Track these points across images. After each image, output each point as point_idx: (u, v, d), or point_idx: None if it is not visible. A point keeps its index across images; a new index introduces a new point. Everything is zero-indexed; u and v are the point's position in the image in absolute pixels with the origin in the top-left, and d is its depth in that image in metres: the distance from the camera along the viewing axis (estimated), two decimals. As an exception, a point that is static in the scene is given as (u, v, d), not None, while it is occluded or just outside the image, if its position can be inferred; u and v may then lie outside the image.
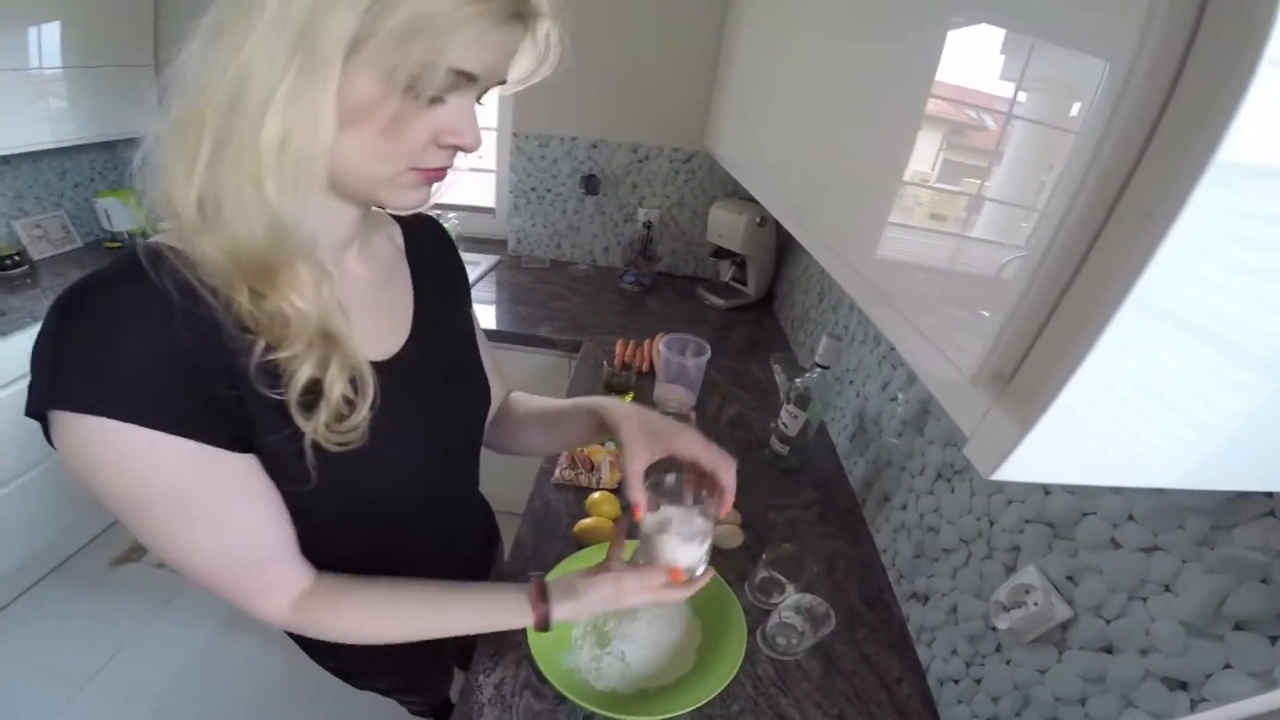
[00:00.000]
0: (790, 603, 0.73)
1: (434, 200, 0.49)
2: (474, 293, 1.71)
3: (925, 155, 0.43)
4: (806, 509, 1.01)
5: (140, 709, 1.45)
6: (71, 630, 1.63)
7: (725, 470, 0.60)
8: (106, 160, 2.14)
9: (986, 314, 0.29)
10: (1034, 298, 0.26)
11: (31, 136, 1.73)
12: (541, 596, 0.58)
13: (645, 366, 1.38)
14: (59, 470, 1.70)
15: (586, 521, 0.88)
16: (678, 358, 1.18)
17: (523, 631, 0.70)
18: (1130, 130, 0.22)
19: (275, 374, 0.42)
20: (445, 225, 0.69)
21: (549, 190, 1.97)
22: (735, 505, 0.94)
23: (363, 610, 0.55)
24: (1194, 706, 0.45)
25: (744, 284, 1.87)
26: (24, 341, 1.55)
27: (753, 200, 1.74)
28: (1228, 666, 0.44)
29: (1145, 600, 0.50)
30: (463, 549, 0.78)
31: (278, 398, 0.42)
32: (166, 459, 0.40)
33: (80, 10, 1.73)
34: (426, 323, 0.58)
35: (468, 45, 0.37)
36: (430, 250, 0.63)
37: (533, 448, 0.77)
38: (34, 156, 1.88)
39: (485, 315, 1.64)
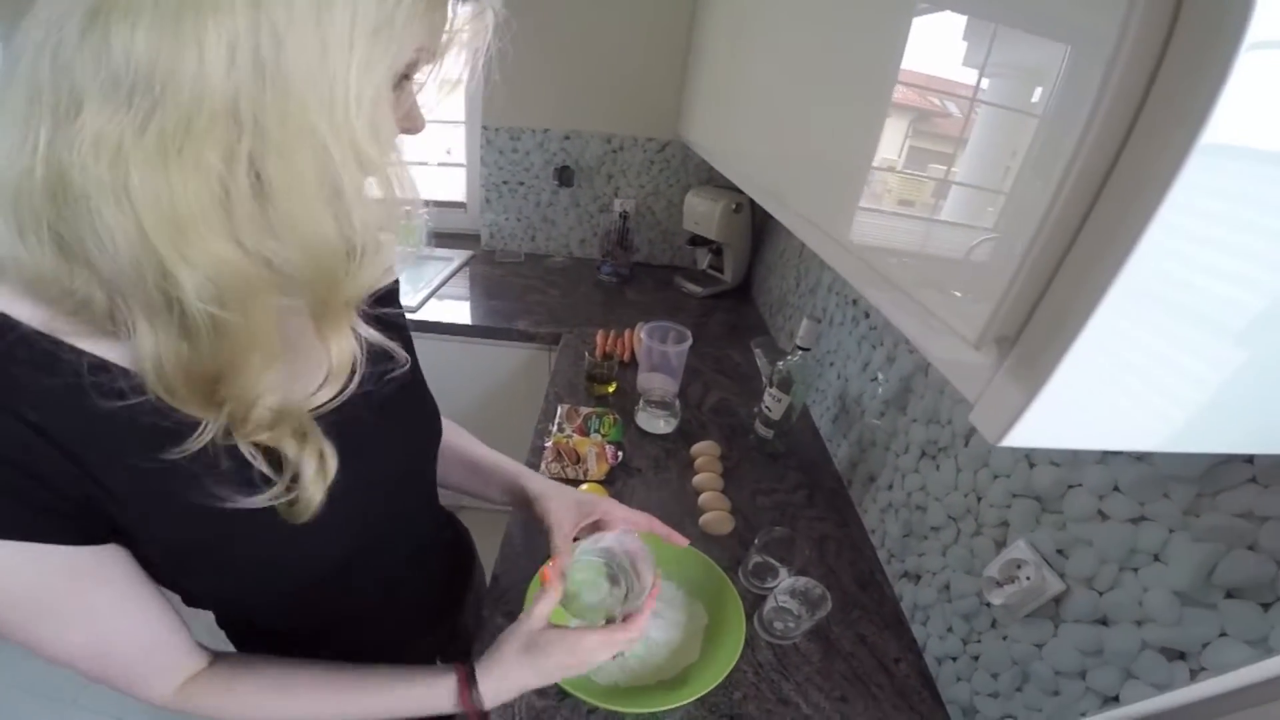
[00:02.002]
0: (785, 586, 0.73)
1: None
2: (447, 289, 1.70)
3: (896, 136, 0.42)
4: (793, 492, 1.01)
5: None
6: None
7: (653, 521, 0.64)
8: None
9: (989, 277, 0.28)
10: (1036, 258, 0.26)
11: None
12: (469, 682, 0.52)
13: (627, 356, 1.37)
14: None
15: (576, 515, 0.87)
16: (659, 345, 1.17)
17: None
18: (1120, 103, 0.22)
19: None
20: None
21: (521, 183, 1.93)
22: (724, 490, 0.96)
23: (263, 694, 0.50)
24: (1194, 676, 0.46)
25: (721, 271, 1.87)
26: None
27: (728, 187, 1.74)
28: (1224, 634, 0.44)
29: (1136, 571, 0.51)
30: (429, 579, 0.72)
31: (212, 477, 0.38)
32: (18, 563, 0.36)
33: None
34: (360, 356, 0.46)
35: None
36: None
37: (449, 483, 0.71)
38: None
39: (460, 311, 1.61)
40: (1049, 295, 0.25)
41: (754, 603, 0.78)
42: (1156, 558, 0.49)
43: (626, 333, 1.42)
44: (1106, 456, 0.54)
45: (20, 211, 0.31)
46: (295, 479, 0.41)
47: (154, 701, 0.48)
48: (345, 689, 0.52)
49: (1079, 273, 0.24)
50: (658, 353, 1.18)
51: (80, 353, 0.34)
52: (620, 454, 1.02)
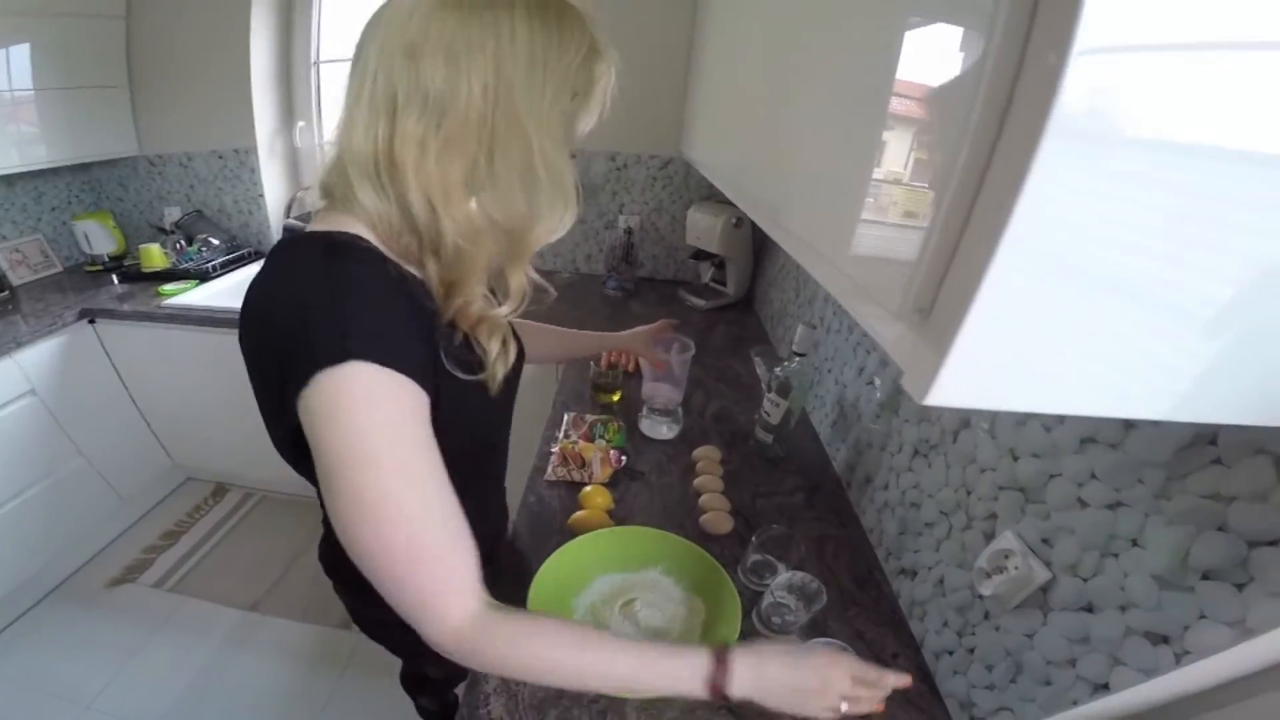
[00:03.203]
0: (782, 581, 0.75)
1: None
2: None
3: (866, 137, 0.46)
4: (792, 495, 1.03)
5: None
6: (71, 652, 1.62)
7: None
8: (83, 183, 2.14)
9: (902, 257, 0.32)
10: (937, 239, 0.29)
11: (4, 160, 1.72)
12: (716, 682, 0.52)
13: (631, 367, 1.40)
14: (53, 493, 1.71)
15: (580, 513, 0.90)
16: (664, 355, 1.20)
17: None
18: (991, 102, 0.26)
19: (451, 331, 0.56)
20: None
21: (530, 199, 1.99)
22: (724, 492, 0.98)
23: (538, 636, 0.51)
24: (1178, 660, 0.47)
25: (724, 284, 1.90)
26: (7, 368, 1.54)
27: (728, 202, 1.77)
28: (1203, 617, 0.45)
29: (1117, 556, 0.52)
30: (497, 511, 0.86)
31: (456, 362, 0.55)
32: (409, 404, 0.47)
33: (49, 32, 1.72)
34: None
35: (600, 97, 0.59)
36: None
37: (543, 353, 0.99)
38: (8, 180, 1.88)
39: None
40: (951, 270, 0.29)
41: (753, 599, 0.80)
42: (1135, 542, 0.51)
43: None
44: (1084, 445, 0.56)
45: (371, 174, 0.51)
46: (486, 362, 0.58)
47: (446, 626, 0.48)
48: (613, 648, 0.53)
49: (970, 248, 0.28)
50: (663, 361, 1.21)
51: (404, 268, 0.54)
52: (624, 458, 1.05)
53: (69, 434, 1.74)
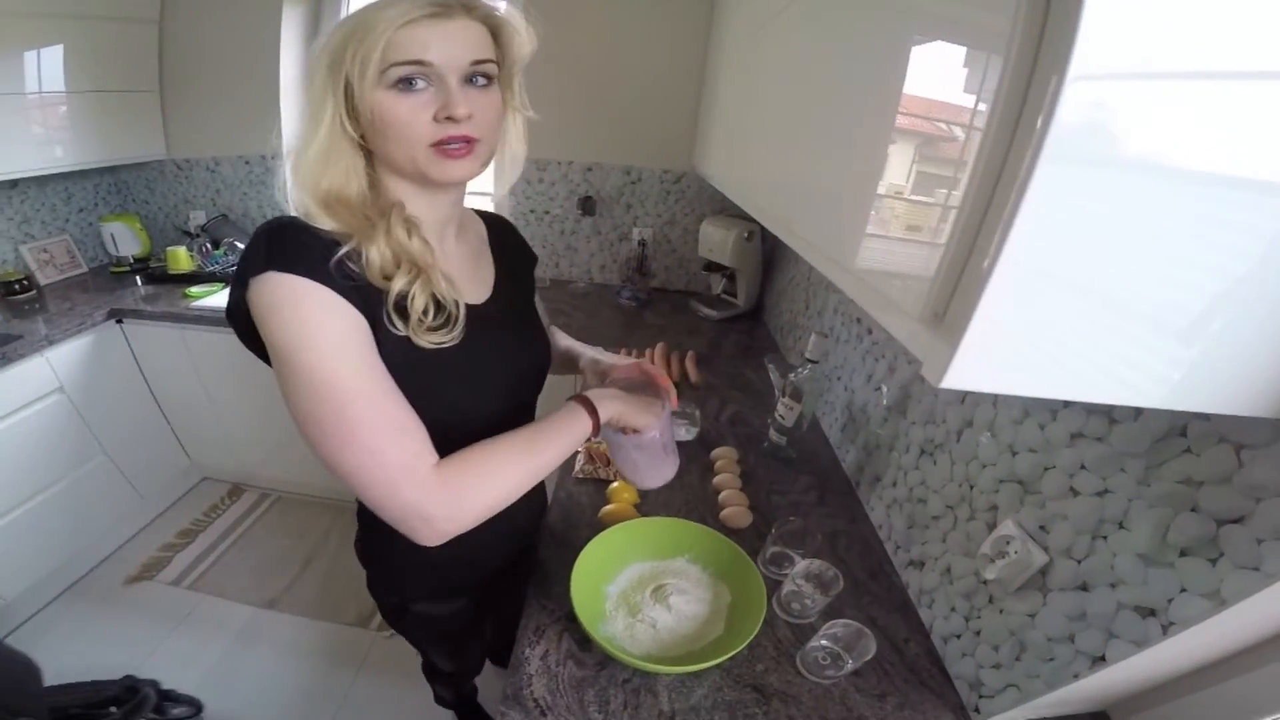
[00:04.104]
0: (800, 570, 0.81)
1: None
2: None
3: (891, 167, 0.53)
4: (806, 493, 1.10)
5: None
6: (89, 648, 1.64)
7: (641, 364, 0.84)
8: (110, 185, 2.19)
9: (922, 273, 0.40)
10: (949, 261, 0.37)
11: (36, 161, 1.77)
12: (590, 407, 0.71)
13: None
14: (75, 490, 1.75)
15: (609, 507, 0.96)
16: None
17: (564, 606, 0.78)
18: (999, 138, 0.33)
19: (382, 293, 0.59)
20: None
21: (547, 212, 2.07)
22: (742, 489, 1.05)
23: (488, 463, 0.62)
24: (1165, 630, 0.52)
25: (734, 296, 1.98)
26: (38, 366, 1.59)
27: (740, 216, 1.86)
28: (1184, 590, 0.51)
29: (1106, 539, 0.58)
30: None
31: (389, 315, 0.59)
32: (340, 311, 0.55)
33: (82, 35, 1.76)
34: (502, 287, 0.77)
35: (398, 43, 0.54)
36: (504, 240, 0.85)
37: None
38: (39, 181, 1.93)
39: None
40: (960, 283, 0.36)
41: (772, 587, 0.86)
42: (1121, 525, 0.57)
43: (648, 351, 1.52)
44: (1074, 439, 0.63)
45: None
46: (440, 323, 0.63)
47: (428, 484, 0.57)
48: (530, 441, 0.66)
49: (975, 266, 0.35)
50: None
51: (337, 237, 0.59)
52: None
53: (94, 431, 1.79)
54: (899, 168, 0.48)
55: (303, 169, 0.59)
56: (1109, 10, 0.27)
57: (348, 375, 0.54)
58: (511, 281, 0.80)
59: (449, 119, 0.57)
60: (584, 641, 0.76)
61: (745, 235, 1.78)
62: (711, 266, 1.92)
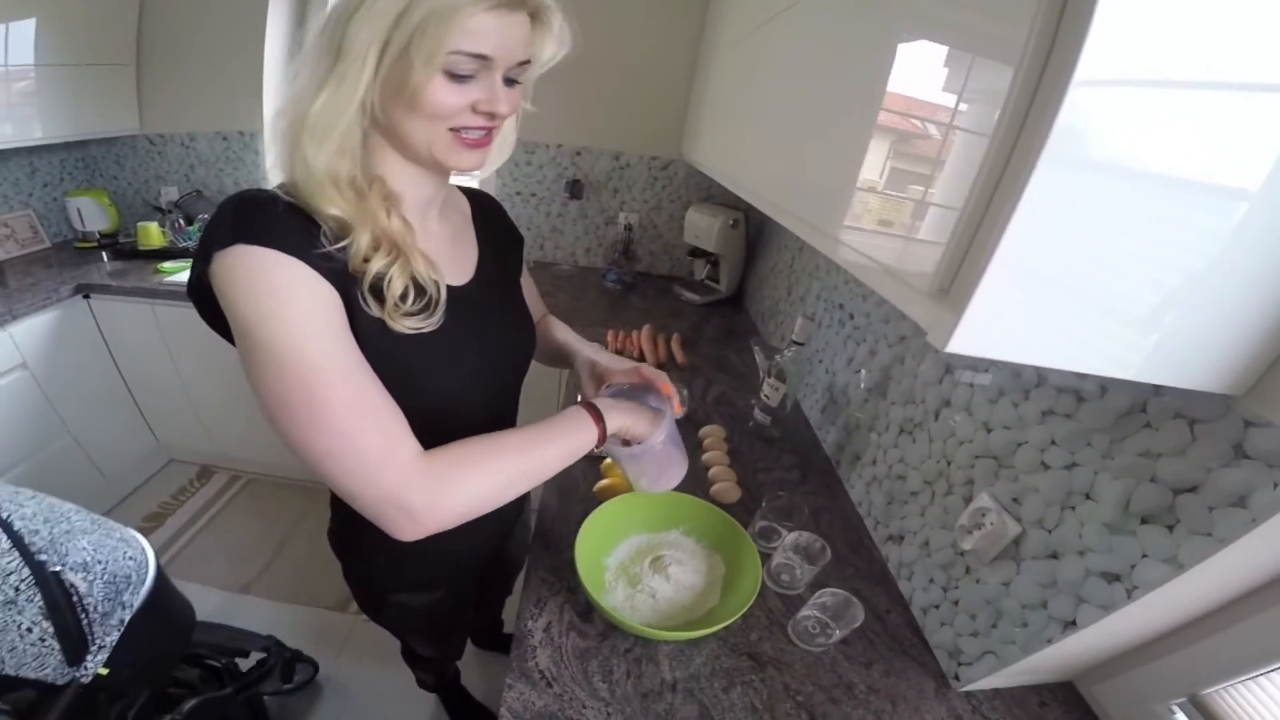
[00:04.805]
0: (789, 542, 0.85)
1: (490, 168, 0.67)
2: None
3: (878, 157, 0.57)
4: (789, 471, 1.15)
5: None
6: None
7: (640, 369, 0.80)
8: (78, 159, 2.11)
9: (931, 253, 0.43)
10: (953, 249, 0.40)
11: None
12: (596, 416, 0.67)
13: (637, 353, 1.50)
14: (38, 471, 1.70)
15: (604, 482, 0.99)
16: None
17: (564, 579, 0.81)
18: (1009, 128, 0.37)
19: (358, 273, 0.56)
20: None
21: (534, 194, 2.07)
22: (730, 465, 1.08)
23: (478, 456, 0.58)
24: (1129, 594, 0.56)
25: (717, 281, 2.02)
26: (1, 341, 1.54)
27: (725, 204, 1.90)
28: (1145, 556, 0.55)
29: (1074, 509, 0.62)
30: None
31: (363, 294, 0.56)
32: (311, 284, 0.51)
33: (58, 8, 1.70)
34: (485, 269, 0.74)
35: (467, 31, 0.51)
36: (490, 220, 0.81)
37: (541, 361, 0.94)
38: (2, 155, 1.84)
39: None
40: (965, 262, 0.40)
41: (762, 559, 0.90)
42: (1088, 496, 0.61)
43: (634, 333, 1.55)
44: (1045, 417, 0.67)
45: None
46: (418, 305, 0.60)
47: (408, 472, 0.53)
48: (526, 440, 0.63)
49: (979, 246, 0.38)
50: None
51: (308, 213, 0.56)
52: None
53: (58, 410, 1.73)
54: (896, 169, 0.51)
55: (312, 133, 0.53)
56: (1118, 19, 0.31)
57: (318, 353, 0.50)
58: (496, 263, 0.76)
59: (489, 114, 0.57)
60: (585, 613, 0.79)
61: (730, 222, 1.82)
62: (696, 252, 1.95)
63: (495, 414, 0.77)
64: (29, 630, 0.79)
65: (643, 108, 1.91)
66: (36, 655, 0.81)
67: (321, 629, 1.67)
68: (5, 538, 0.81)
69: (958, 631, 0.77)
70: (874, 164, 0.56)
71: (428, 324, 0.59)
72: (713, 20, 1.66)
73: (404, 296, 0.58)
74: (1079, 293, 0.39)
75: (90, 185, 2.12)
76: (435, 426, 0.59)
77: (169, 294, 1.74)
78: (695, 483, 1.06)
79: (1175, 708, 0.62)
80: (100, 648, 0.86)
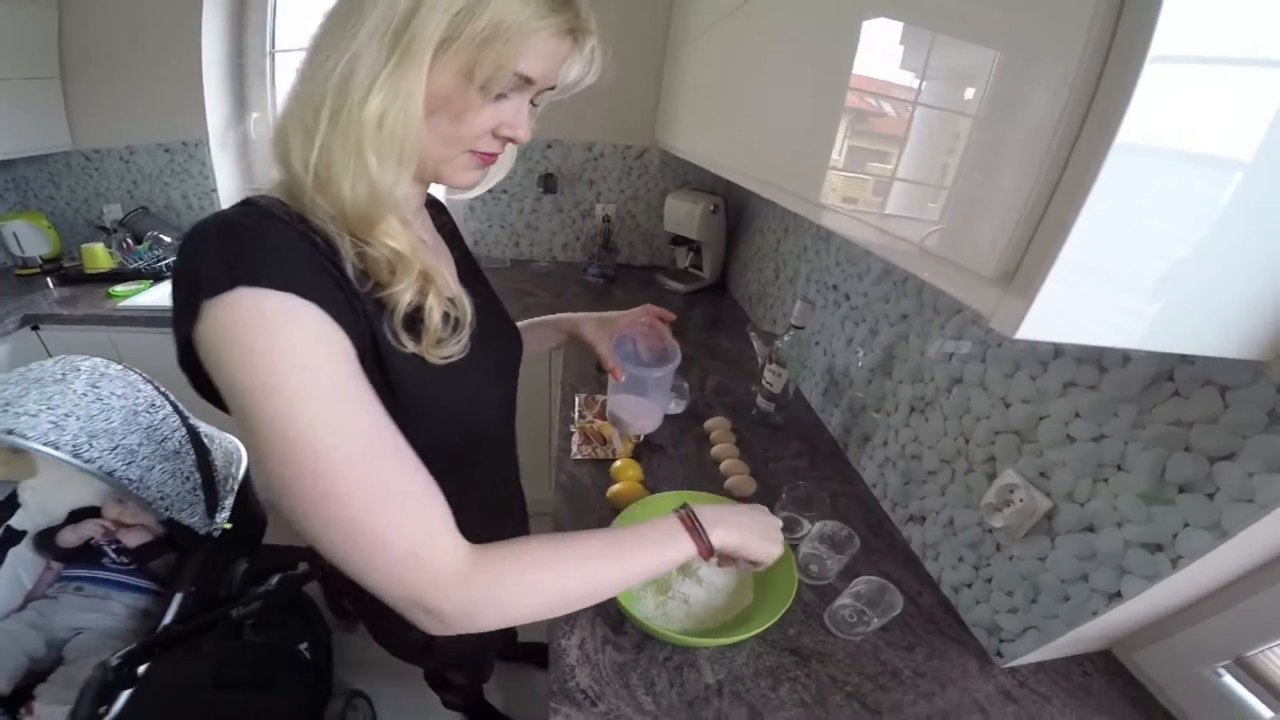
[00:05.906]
0: (815, 532, 0.84)
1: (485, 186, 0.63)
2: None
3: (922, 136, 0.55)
4: (798, 458, 1.14)
5: None
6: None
7: (648, 309, 0.86)
8: (7, 180, 1.96)
9: (994, 236, 0.41)
10: (1022, 224, 0.38)
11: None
12: (694, 527, 0.58)
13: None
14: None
15: (617, 487, 0.96)
16: (635, 368, 0.85)
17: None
18: (1074, 112, 0.35)
19: (381, 306, 0.49)
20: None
21: (505, 191, 2.00)
22: (741, 458, 1.07)
23: (535, 566, 0.49)
24: (1174, 564, 0.55)
25: (700, 269, 1.99)
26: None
27: (703, 190, 1.87)
28: (1187, 525, 0.54)
29: (1107, 481, 0.62)
30: (515, 504, 0.86)
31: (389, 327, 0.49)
32: (326, 337, 0.43)
33: None
34: (464, 272, 0.70)
35: (534, 53, 0.48)
36: (445, 221, 0.76)
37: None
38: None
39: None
40: (1031, 246, 0.38)
41: (786, 551, 0.89)
42: (1119, 467, 0.61)
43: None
44: (1066, 389, 0.67)
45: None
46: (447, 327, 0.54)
47: (444, 560, 0.45)
48: (604, 546, 0.54)
49: (1048, 230, 0.37)
50: (632, 376, 0.85)
51: (325, 238, 0.48)
52: (641, 434, 1.12)
53: (14, 451, 1.62)
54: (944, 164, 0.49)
55: (378, 141, 0.45)
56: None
57: (331, 432, 0.41)
58: (466, 263, 0.73)
59: (508, 139, 0.54)
60: (618, 625, 0.77)
61: (711, 208, 1.79)
62: (677, 240, 1.93)
63: (505, 419, 0.75)
64: (187, 479, 1.09)
65: (614, 97, 1.86)
66: (190, 502, 1.08)
67: (338, 646, 1.61)
68: (168, 404, 1.15)
69: (995, 609, 0.76)
70: (918, 146, 0.53)
71: (458, 348, 0.54)
72: (680, 7, 1.62)
73: (445, 324, 0.53)
74: (1146, 272, 0.38)
75: (24, 207, 1.97)
76: (464, 457, 0.55)
77: (126, 320, 1.64)
78: (708, 477, 1.05)
79: (1221, 670, 0.63)
80: (223, 507, 1.16)
